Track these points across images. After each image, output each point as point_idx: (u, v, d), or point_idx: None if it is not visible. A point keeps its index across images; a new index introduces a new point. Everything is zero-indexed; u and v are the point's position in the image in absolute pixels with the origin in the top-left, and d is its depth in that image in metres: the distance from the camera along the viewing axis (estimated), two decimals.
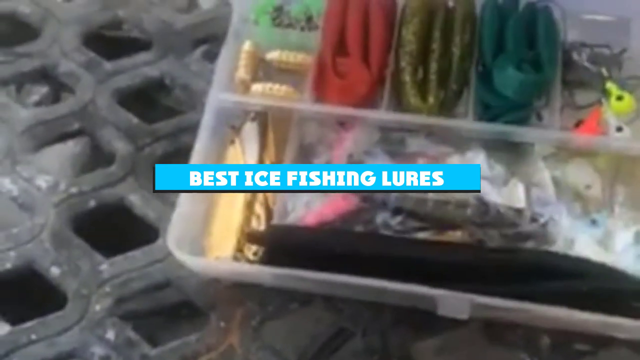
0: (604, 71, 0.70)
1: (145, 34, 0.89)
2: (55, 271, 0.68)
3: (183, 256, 0.61)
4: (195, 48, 0.88)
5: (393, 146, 0.69)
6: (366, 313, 0.66)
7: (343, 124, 0.70)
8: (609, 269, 0.58)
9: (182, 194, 0.65)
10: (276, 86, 0.70)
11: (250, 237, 0.63)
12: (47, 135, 0.79)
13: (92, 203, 0.73)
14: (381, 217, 0.65)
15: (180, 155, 0.77)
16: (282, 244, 0.62)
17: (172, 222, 0.63)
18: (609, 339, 0.63)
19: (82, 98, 0.81)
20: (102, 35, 0.90)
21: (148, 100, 0.86)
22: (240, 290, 0.66)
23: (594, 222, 0.64)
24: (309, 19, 0.76)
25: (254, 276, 0.62)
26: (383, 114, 0.67)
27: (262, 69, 0.74)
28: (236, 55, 0.73)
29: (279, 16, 0.76)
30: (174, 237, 0.63)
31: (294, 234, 0.63)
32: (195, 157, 0.67)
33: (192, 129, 0.76)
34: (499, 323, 0.64)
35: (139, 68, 0.85)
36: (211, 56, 0.86)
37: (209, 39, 0.89)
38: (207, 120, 0.69)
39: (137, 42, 0.89)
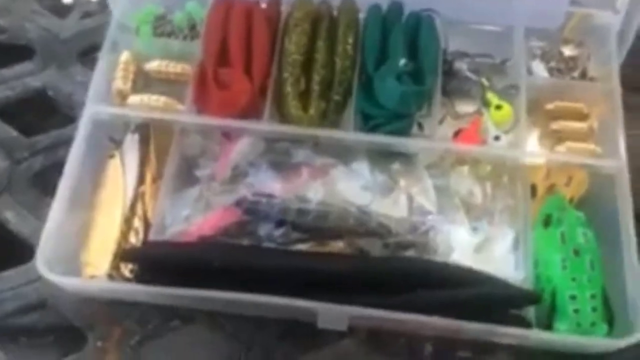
0: (485, 81, 0.72)
1: (28, 43, 0.87)
2: None
3: (53, 276, 0.60)
4: (81, 58, 0.86)
5: (278, 157, 0.70)
6: (250, 328, 0.66)
7: (227, 135, 0.70)
8: (486, 277, 0.60)
9: (53, 209, 0.64)
10: (154, 97, 0.70)
11: (123, 255, 0.62)
12: None
13: None
14: (264, 229, 0.65)
15: (58, 170, 0.75)
16: (156, 261, 0.61)
17: (42, 239, 0.62)
18: (491, 345, 0.65)
19: None
20: None
21: (29, 112, 0.84)
22: (119, 309, 0.65)
23: (474, 230, 0.66)
24: (192, 27, 0.76)
25: (129, 295, 0.61)
26: (264, 126, 0.67)
27: (143, 80, 0.73)
28: (114, 66, 0.71)
29: (161, 25, 0.76)
30: (45, 256, 0.61)
31: (169, 250, 0.62)
32: (67, 173, 0.65)
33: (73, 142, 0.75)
34: (382, 333, 0.65)
35: (20, 78, 0.83)
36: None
37: (96, 49, 0.88)
38: (81, 134, 0.68)
39: (19, 52, 0.87)
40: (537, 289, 0.62)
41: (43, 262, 0.61)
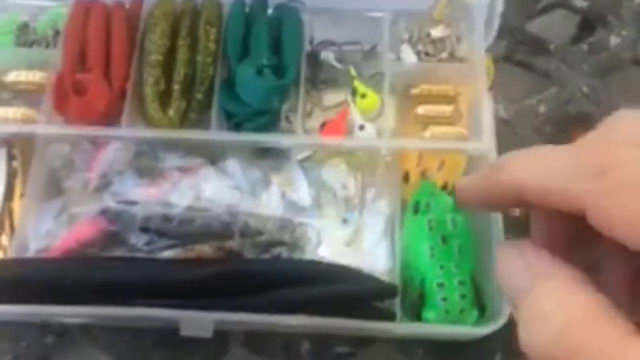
0: (352, 69, 0.71)
1: None
2: None
3: None
4: None
5: (146, 162, 0.69)
6: (125, 338, 0.66)
7: (95, 142, 0.69)
8: (347, 272, 0.60)
9: None
10: (12, 109, 0.68)
11: None
12: None
13: None
14: (133, 239, 0.65)
15: None
16: (10, 281, 0.60)
17: None
18: (368, 339, 0.66)
19: None
20: None
21: None
22: None
23: (345, 222, 0.67)
24: (57, 34, 0.75)
25: None
26: (124, 131, 0.66)
27: (8, 94, 0.71)
28: None
29: (23, 34, 0.74)
30: None
31: (20, 268, 0.61)
32: None
33: None
34: (259, 334, 0.66)
35: None
36: None
37: None
38: None
39: None
40: (406, 278, 0.62)
41: None
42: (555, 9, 0.87)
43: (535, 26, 0.85)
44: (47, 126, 0.67)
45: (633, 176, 0.26)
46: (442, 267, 0.61)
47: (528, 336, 0.27)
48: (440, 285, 0.61)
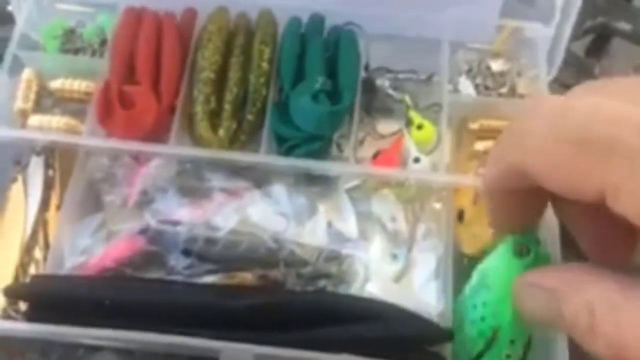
0: (407, 98, 0.71)
1: None
2: None
3: None
4: None
5: (189, 181, 0.68)
6: (159, 357, 0.65)
7: (136, 157, 0.69)
8: (398, 311, 0.58)
9: None
10: (55, 118, 0.68)
11: (8, 292, 0.60)
12: None
13: None
14: (173, 260, 0.64)
15: None
16: (45, 298, 0.59)
17: None
18: None
19: None
20: None
21: None
22: (19, 341, 0.63)
23: (393, 258, 0.65)
24: (103, 42, 0.74)
25: (26, 334, 0.59)
26: (170, 148, 0.65)
27: (49, 100, 0.71)
28: (15, 84, 0.70)
29: (69, 40, 0.74)
30: None
31: (58, 286, 0.60)
32: None
33: None
34: None
35: None
36: None
37: None
38: None
39: None
40: (477, 323, 0.59)
41: None
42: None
43: (579, 48, 0.84)
44: (93, 138, 0.66)
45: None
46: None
47: None
48: (512, 342, 0.58)
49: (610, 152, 0.30)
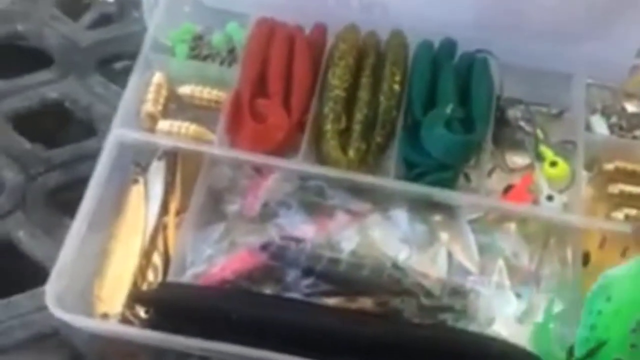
0: (540, 133, 0.72)
1: (46, 50, 0.88)
2: None
3: (62, 314, 0.60)
4: (100, 68, 0.88)
5: (311, 197, 0.70)
6: None
7: (258, 169, 0.71)
8: (526, 355, 0.59)
9: (69, 238, 0.64)
10: (185, 124, 0.70)
11: (135, 297, 0.63)
12: None
13: None
14: (291, 277, 0.65)
15: (76, 187, 0.76)
16: (172, 306, 0.62)
17: (54, 271, 0.62)
18: None
19: None
20: None
21: (45, 124, 0.85)
22: (134, 345, 0.65)
23: (518, 296, 0.66)
24: (231, 50, 0.77)
25: (142, 339, 0.62)
26: (299, 165, 0.67)
27: (175, 104, 0.74)
28: (145, 87, 0.72)
29: (198, 46, 0.77)
30: (55, 290, 0.62)
31: (186, 296, 0.62)
32: (89, 198, 0.66)
33: (92, 158, 0.76)
34: None
35: (37, 88, 0.84)
36: (117, 78, 0.86)
37: (116, 59, 0.90)
38: (105, 156, 0.68)
39: (36, 60, 0.89)
40: (586, 324, 0.59)
41: (53, 297, 0.61)
42: None
43: None
44: (225, 148, 0.68)
45: None
46: (633, 347, 0.57)
47: None
48: None
49: None
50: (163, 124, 0.70)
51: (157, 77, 0.72)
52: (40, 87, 0.84)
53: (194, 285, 0.63)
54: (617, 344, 0.58)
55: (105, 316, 0.65)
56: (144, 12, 0.76)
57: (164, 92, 0.72)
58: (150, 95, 0.71)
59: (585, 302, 0.59)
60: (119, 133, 0.69)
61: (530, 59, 0.75)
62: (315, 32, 0.75)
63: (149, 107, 0.71)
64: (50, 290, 0.61)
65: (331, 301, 0.64)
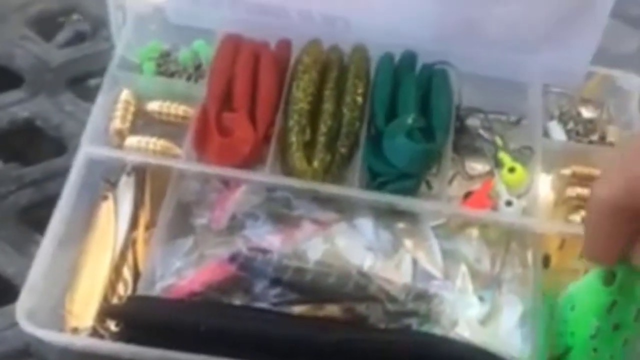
0: (498, 140, 0.74)
1: (15, 70, 0.90)
2: None
3: (33, 329, 0.61)
4: (71, 86, 0.89)
5: (278, 208, 0.72)
6: None
7: (227, 182, 0.72)
8: (489, 356, 0.62)
9: (39, 255, 0.66)
10: (152, 140, 0.72)
11: (105, 311, 0.64)
12: None
13: None
14: (259, 287, 0.67)
15: (47, 204, 0.77)
16: (142, 319, 0.63)
17: (25, 288, 0.63)
18: None
19: None
20: None
21: (15, 143, 0.87)
22: (106, 357, 0.67)
23: (480, 300, 0.68)
24: (198, 67, 0.79)
25: (113, 353, 0.63)
26: (266, 177, 0.69)
27: (143, 120, 0.75)
28: (113, 104, 0.74)
29: (165, 63, 0.78)
30: (25, 307, 0.63)
31: (155, 309, 0.64)
32: (58, 215, 0.67)
33: (62, 175, 0.77)
34: None
35: (7, 108, 0.85)
36: (87, 96, 0.88)
37: (87, 77, 0.91)
38: (75, 173, 0.69)
39: (6, 79, 0.90)
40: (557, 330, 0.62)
41: (24, 313, 0.62)
42: None
43: None
44: (192, 163, 0.70)
45: None
46: (595, 350, 0.61)
47: None
48: None
49: None
50: (131, 140, 0.72)
51: (125, 94, 0.74)
52: (11, 107, 0.85)
53: (163, 298, 0.65)
54: (581, 349, 0.61)
55: (75, 330, 0.66)
56: (112, 31, 0.78)
57: (131, 109, 0.74)
58: (118, 112, 0.73)
59: (554, 311, 0.62)
60: (88, 150, 0.71)
61: (488, 68, 0.77)
62: (280, 47, 0.77)
63: (117, 123, 0.73)
64: (21, 306, 0.63)
65: (298, 309, 0.66)
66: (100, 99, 0.73)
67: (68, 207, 0.68)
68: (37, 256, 0.65)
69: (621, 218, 0.44)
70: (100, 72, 0.88)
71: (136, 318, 0.63)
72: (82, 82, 0.91)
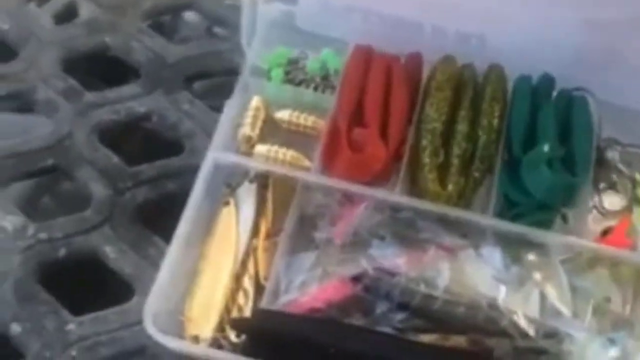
0: (638, 176, 0.72)
1: (133, 64, 0.90)
2: (16, 329, 0.67)
3: (161, 337, 0.61)
4: (187, 84, 0.89)
5: (403, 229, 0.70)
6: None
7: (350, 197, 0.71)
8: None
9: (167, 259, 0.65)
10: (282, 150, 0.71)
11: (234, 323, 0.64)
12: (17, 169, 0.79)
13: (62, 252, 0.73)
14: (381, 309, 0.66)
15: (163, 203, 0.78)
16: (268, 334, 0.62)
17: (153, 292, 0.63)
18: None
19: (58, 130, 0.82)
20: (85, 62, 0.91)
21: (130, 139, 0.87)
22: None
23: (611, 342, 0.66)
24: (325, 77, 0.78)
25: None
26: (396, 197, 0.68)
27: (270, 128, 0.75)
28: (243, 110, 0.73)
29: (292, 70, 0.78)
30: (152, 310, 0.63)
31: (284, 323, 0.63)
32: (185, 221, 0.67)
33: (178, 175, 0.78)
34: None
35: (124, 102, 0.86)
36: (204, 95, 0.88)
37: (203, 76, 0.92)
38: (202, 179, 0.69)
39: (123, 73, 0.91)
40: None
41: (150, 317, 0.62)
42: None
43: None
44: (319, 176, 0.69)
45: None
46: None
47: None
48: None
49: None
50: (260, 148, 0.71)
51: (256, 101, 0.73)
52: (128, 101, 0.86)
53: (291, 314, 0.64)
54: None
55: (196, 339, 0.66)
56: (242, 36, 0.77)
57: (261, 116, 0.73)
58: (248, 119, 0.72)
59: None
60: (216, 155, 0.70)
61: (628, 99, 0.75)
62: (411, 61, 0.76)
63: (246, 130, 0.72)
64: (148, 310, 0.62)
65: (425, 338, 0.64)
66: (231, 104, 0.73)
67: (194, 211, 0.68)
68: (164, 260, 0.65)
69: None
70: (216, 72, 0.89)
71: (264, 332, 0.62)
72: (198, 80, 0.91)
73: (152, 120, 0.86)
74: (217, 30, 0.97)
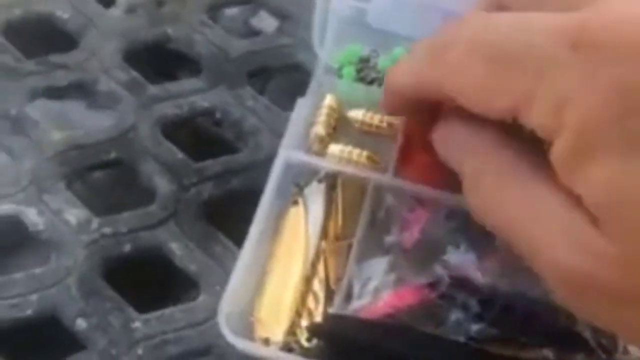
0: None
1: (195, 57, 0.89)
2: (81, 324, 0.67)
3: (234, 339, 0.61)
4: (251, 80, 0.88)
5: (476, 235, 0.69)
6: None
7: (421, 200, 0.70)
8: None
9: (240, 260, 0.64)
10: (357, 150, 0.70)
11: (310, 329, 0.63)
12: (80, 162, 0.78)
13: (127, 247, 0.72)
14: (455, 318, 0.64)
15: (228, 200, 0.77)
16: (342, 339, 0.61)
17: (228, 292, 0.62)
18: None
19: (122, 123, 0.81)
20: (146, 53, 0.90)
21: (194, 134, 0.86)
22: None
23: None
24: None
25: None
26: None
27: (342, 127, 0.73)
28: (315, 108, 0.72)
29: (364, 68, 0.76)
30: (226, 311, 0.62)
31: (359, 329, 0.62)
32: (258, 221, 0.66)
33: (243, 172, 0.77)
34: None
35: (187, 96, 0.85)
36: (267, 91, 0.87)
37: (266, 71, 0.90)
38: (274, 179, 0.68)
39: (185, 66, 0.90)
40: None
41: (224, 318, 0.61)
42: None
43: None
44: (393, 179, 0.68)
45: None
46: None
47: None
48: None
49: (523, 62, 0.36)
50: (334, 148, 0.70)
51: (329, 99, 0.72)
52: (191, 95, 0.85)
53: (365, 319, 0.63)
54: None
55: (267, 341, 0.64)
56: (314, 33, 0.76)
57: (334, 115, 0.72)
58: (321, 118, 0.71)
59: None
60: (287, 154, 0.69)
61: None
62: None
63: (319, 129, 0.71)
64: (223, 310, 0.61)
65: (504, 350, 0.63)
66: (303, 103, 0.71)
67: (266, 210, 0.67)
68: (239, 258, 0.64)
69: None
70: (278, 68, 0.88)
71: (339, 338, 0.61)
72: (261, 76, 0.90)
73: (216, 116, 0.84)
74: (283, 25, 0.95)
